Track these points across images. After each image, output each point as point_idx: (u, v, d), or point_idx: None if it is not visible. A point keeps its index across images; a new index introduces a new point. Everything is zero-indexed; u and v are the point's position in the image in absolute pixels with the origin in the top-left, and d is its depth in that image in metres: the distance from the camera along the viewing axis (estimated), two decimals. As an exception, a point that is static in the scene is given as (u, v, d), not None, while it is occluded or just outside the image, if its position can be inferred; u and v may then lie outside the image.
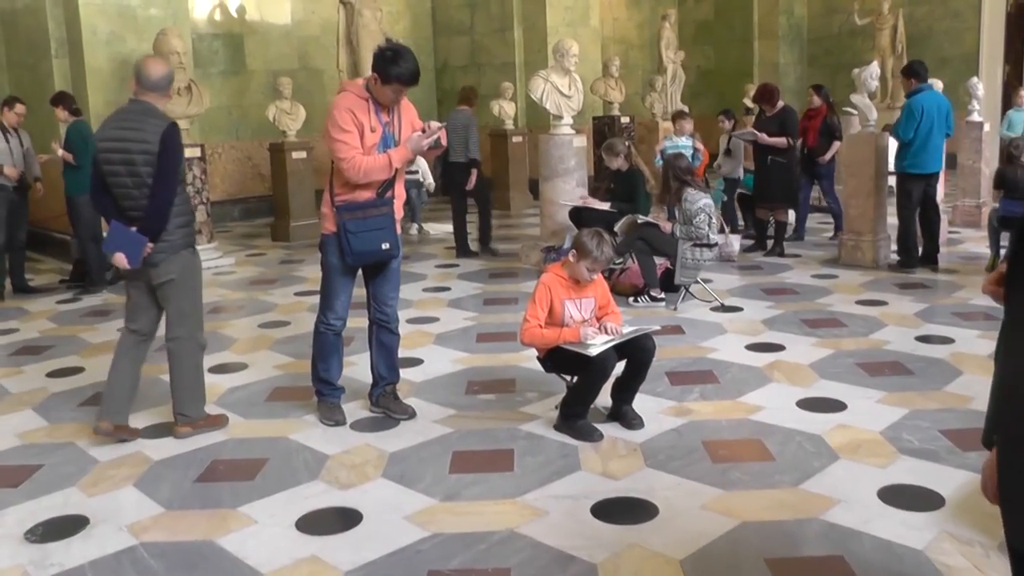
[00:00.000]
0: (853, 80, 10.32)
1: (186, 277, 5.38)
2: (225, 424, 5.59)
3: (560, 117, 9.90)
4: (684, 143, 10.88)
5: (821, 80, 21.32)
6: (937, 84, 11.22)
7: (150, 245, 5.14)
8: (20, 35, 12.22)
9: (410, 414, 5.56)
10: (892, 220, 10.14)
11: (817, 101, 11.55)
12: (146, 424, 5.63)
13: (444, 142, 5.40)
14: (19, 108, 9.94)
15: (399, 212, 5.43)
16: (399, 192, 5.38)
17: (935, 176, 9.36)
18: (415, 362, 6.72)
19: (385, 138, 5.21)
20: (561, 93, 9.75)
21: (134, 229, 5.12)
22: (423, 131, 5.25)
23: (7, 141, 9.75)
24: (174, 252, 5.26)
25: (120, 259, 5.16)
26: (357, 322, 6.68)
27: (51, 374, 6.85)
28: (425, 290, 9.26)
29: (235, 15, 15.48)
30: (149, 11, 11.49)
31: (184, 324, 5.45)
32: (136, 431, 5.46)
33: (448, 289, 9.27)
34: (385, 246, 5.27)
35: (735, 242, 9.94)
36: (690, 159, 9.94)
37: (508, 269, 10.21)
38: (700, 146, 10.89)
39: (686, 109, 13.16)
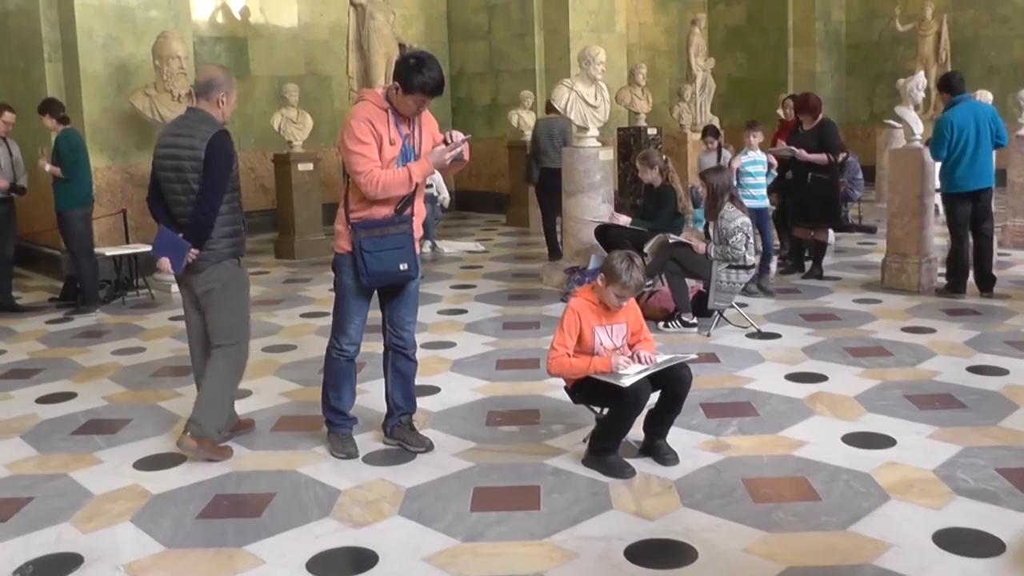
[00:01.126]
0: (898, 91, 10.30)
1: (228, 288, 5.58)
2: (229, 456, 5.57)
3: (585, 129, 9.89)
4: (761, 158, 10.08)
5: (861, 90, 21.52)
6: (986, 96, 11.21)
7: (194, 252, 5.39)
8: (12, 38, 12.26)
9: (427, 447, 5.53)
10: (939, 241, 10.11)
11: (791, 113, 11.97)
12: (144, 455, 5.61)
13: (467, 156, 5.37)
14: (7, 116, 9.92)
15: (418, 231, 5.42)
16: (419, 209, 5.37)
17: (984, 193, 9.18)
18: (431, 390, 6.70)
19: (405, 151, 5.20)
20: (587, 103, 9.73)
21: (180, 236, 5.39)
22: (445, 143, 5.22)
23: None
24: (217, 261, 5.48)
25: (164, 263, 5.46)
26: (370, 347, 6.67)
27: (41, 399, 6.85)
28: (440, 312, 9.25)
29: (239, 17, 15.55)
30: (149, 13, 11.52)
31: (221, 336, 5.64)
32: (225, 450, 5.58)
33: (465, 312, 9.25)
34: (403, 267, 5.25)
35: (772, 264, 9.94)
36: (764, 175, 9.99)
37: (528, 291, 10.18)
38: (774, 160, 10.21)
39: (716, 121, 13.04)
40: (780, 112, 18.55)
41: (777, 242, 11.63)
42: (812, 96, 10.70)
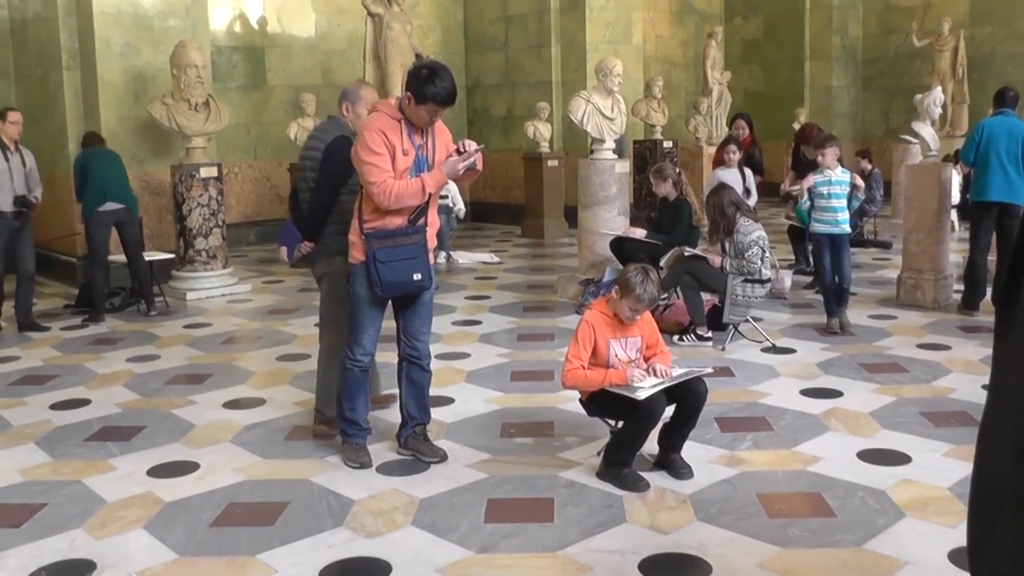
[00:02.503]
0: (915, 106, 10.28)
1: (337, 282, 5.85)
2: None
3: (602, 141, 9.90)
4: (840, 178, 8.64)
5: (877, 105, 21.50)
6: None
7: (306, 245, 5.95)
8: (30, 46, 12.35)
9: (441, 457, 5.53)
10: (955, 258, 10.08)
11: (745, 131, 11.81)
12: (157, 463, 5.62)
13: (480, 165, 5.37)
14: (13, 116, 9.40)
15: (432, 241, 5.44)
16: (432, 219, 5.39)
17: (1009, 208, 9.05)
18: (445, 401, 6.70)
19: (418, 161, 5.21)
20: (603, 115, 9.74)
21: None
22: (458, 152, 5.23)
23: (7, 160, 9.25)
24: (328, 255, 5.85)
25: (282, 252, 6.45)
26: (383, 356, 6.67)
27: (55, 406, 6.86)
28: (455, 323, 9.26)
29: (256, 27, 15.61)
30: (167, 22, 11.59)
31: (330, 327, 6.07)
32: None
33: (479, 323, 9.26)
34: (417, 277, 5.26)
35: (787, 278, 9.89)
36: (846, 199, 8.61)
37: (543, 303, 10.18)
38: (860, 183, 8.79)
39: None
40: (796, 126, 18.61)
41: (792, 257, 11.65)
42: (813, 127, 10.75)
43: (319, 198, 5.82)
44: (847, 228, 8.66)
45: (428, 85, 5.04)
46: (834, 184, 8.53)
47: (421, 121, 5.18)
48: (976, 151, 9.16)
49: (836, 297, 8.61)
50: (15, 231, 9.39)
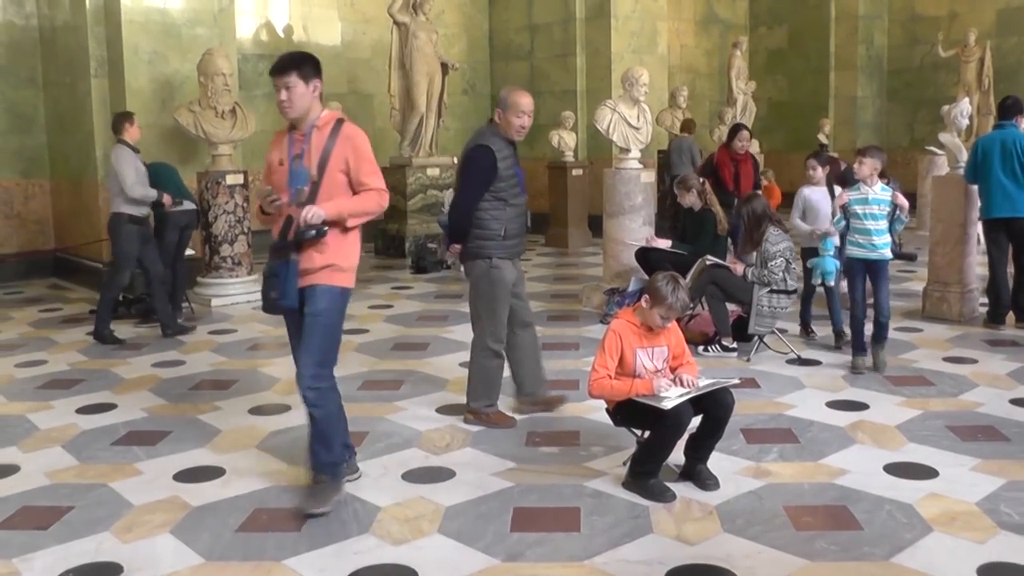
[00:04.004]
0: (941, 117, 10.22)
1: (479, 285, 6.30)
2: (513, 425, 6.31)
3: (627, 150, 9.89)
4: (880, 196, 7.55)
5: (902, 116, 21.42)
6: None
7: (454, 247, 6.36)
8: (59, 53, 12.43)
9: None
10: (981, 271, 10.02)
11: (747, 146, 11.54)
12: (183, 467, 5.64)
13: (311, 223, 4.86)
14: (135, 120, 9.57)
15: (313, 261, 4.91)
16: (332, 240, 4.94)
17: (1016, 222, 9.01)
18: (470, 409, 6.68)
19: (293, 173, 4.93)
20: (629, 124, 9.74)
21: None
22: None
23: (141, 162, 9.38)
24: (470, 259, 6.28)
25: (452, 250, 6.50)
26: (394, 364, 6.67)
27: (82, 410, 6.90)
28: (478, 331, 9.22)
29: (282, 35, 15.67)
30: (195, 30, 11.65)
31: (477, 326, 6.44)
32: (504, 418, 6.36)
33: (503, 331, 9.21)
34: (273, 295, 4.95)
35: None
36: (890, 221, 7.55)
37: (568, 312, 10.17)
38: (903, 202, 7.59)
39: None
40: (820, 137, 18.55)
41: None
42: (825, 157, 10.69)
43: (458, 204, 6.28)
44: (887, 254, 7.56)
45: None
46: (871, 203, 7.48)
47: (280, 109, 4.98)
48: (975, 169, 9.11)
49: (871, 333, 7.67)
50: (148, 235, 9.50)
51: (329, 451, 5.06)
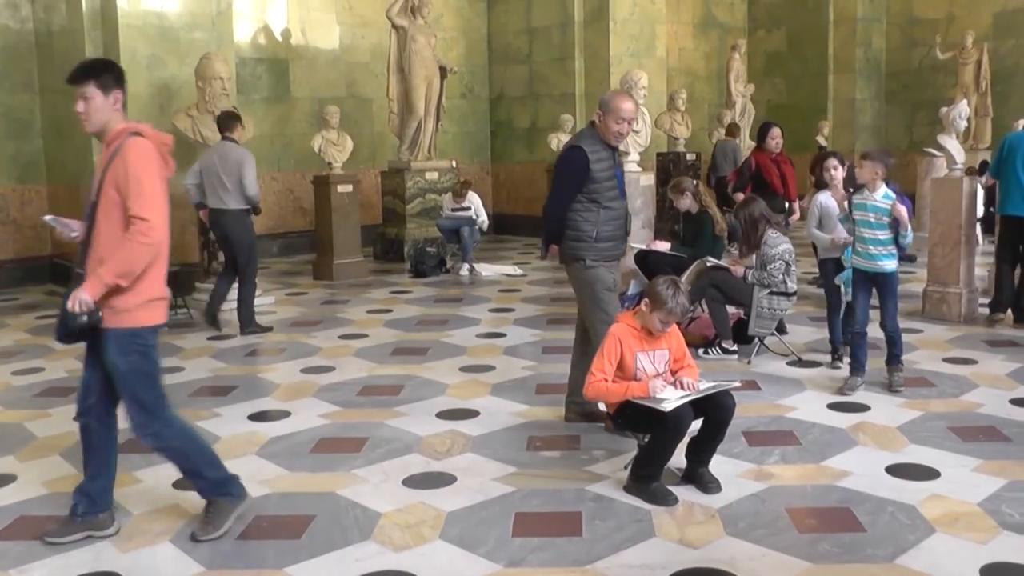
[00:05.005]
0: (940, 119, 10.22)
1: (578, 286, 6.36)
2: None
3: (626, 153, 9.89)
4: (878, 204, 6.95)
5: (900, 118, 21.42)
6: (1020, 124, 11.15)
7: (553, 248, 6.38)
8: (55, 58, 12.40)
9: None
10: (980, 272, 10.07)
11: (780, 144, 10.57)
12: (181, 475, 5.59)
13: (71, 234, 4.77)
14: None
15: (90, 294, 4.43)
16: (90, 267, 4.55)
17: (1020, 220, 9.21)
18: (471, 414, 6.69)
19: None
20: (628, 128, 9.72)
21: None
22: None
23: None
24: (566, 262, 6.34)
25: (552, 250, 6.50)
26: (394, 369, 6.64)
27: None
28: (479, 336, 9.24)
29: (280, 39, 15.67)
30: (193, 34, 11.62)
31: (588, 322, 6.34)
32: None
33: (504, 335, 9.24)
34: (56, 333, 4.61)
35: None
36: (888, 231, 6.94)
37: (567, 315, 10.10)
38: (901, 215, 6.84)
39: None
40: (819, 139, 18.55)
41: (816, 270, 11.56)
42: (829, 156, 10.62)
43: (550, 205, 6.31)
44: (886, 267, 7.04)
45: None
46: (868, 210, 6.96)
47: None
48: (999, 165, 9.33)
49: (889, 354, 7.25)
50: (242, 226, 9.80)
51: (203, 478, 4.82)
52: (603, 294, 6.21)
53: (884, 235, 6.95)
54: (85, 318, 4.40)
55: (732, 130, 16.54)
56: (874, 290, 7.22)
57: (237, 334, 9.56)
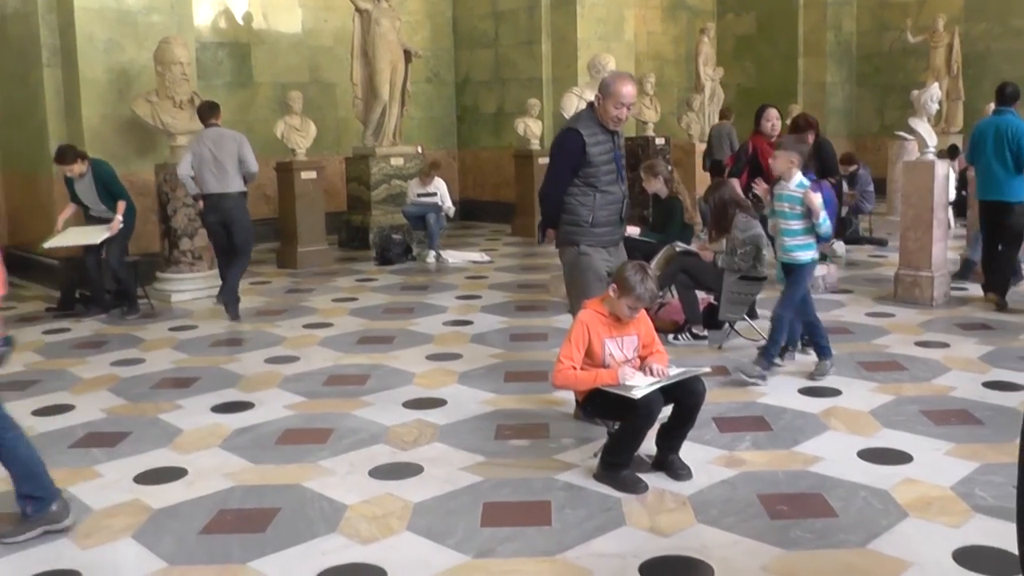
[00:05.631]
0: (911, 102, 10.26)
1: (569, 272, 6.39)
2: None
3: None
4: (791, 193, 6.89)
5: (871, 101, 21.55)
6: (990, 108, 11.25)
7: (551, 231, 6.41)
8: (9, 43, 12.23)
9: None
10: (952, 255, 10.17)
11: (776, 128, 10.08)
12: (144, 469, 5.58)
13: None
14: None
15: None
16: None
17: (1002, 206, 9.34)
18: (438, 403, 6.68)
19: None
20: (596, 112, 9.71)
21: None
22: None
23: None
24: (562, 244, 6.37)
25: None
26: (360, 358, 6.62)
27: (38, 412, 6.80)
28: (446, 324, 9.22)
29: (241, 23, 15.54)
30: (151, 18, 11.50)
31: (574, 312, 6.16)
32: None
33: (471, 323, 9.22)
34: None
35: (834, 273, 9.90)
36: (803, 220, 6.85)
37: (535, 302, 10.15)
38: (813, 203, 6.75)
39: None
40: (790, 123, 18.58)
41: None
42: (801, 117, 10.64)
43: (545, 188, 6.36)
44: (801, 257, 6.96)
45: None
46: (783, 199, 6.93)
47: None
48: (972, 151, 9.62)
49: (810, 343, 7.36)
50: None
51: (31, 485, 4.75)
52: (592, 283, 6.14)
53: (798, 225, 6.87)
54: None
55: (726, 113, 16.65)
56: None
57: (230, 320, 9.65)
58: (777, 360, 7.16)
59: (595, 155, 6.10)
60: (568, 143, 6.15)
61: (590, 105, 6.32)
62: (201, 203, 9.94)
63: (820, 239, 7.00)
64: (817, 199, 6.78)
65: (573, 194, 6.16)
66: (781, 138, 8.86)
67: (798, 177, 6.90)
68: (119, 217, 9.89)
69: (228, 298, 9.73)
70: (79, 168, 9.87)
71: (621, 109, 6.06)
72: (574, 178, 6.15)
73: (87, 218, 10.18)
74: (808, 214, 6.81)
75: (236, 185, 9.76)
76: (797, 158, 6.90)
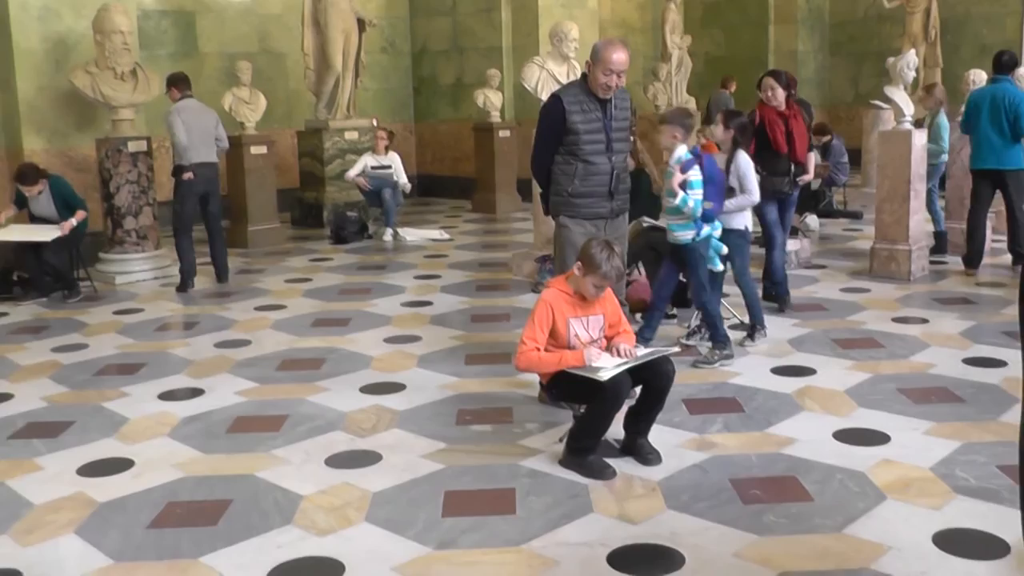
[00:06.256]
0: (887, 70, 10.29)
1: (555, 245, 6.54)
2: None
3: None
4: (670, 169, 6.85)
5: (845, 70, 21.60)
6: (980, 76, 11.34)
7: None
8: (-62, 11, 12.07)
9: None
10: (930, 227, 10.26)
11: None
12: (88, 460, 5.53)
13: None
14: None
15: None
16: None
17: (1001, 174, 9.66)
18: (397, 388, 6.66)
19: None
20: (558, 82, 9.69)
21: None
22: None
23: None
24: (551, 216, 6.48)
25: None
26: (314, 342, 6.58)
27: (-26, 402, 6.74)
28: (404, 305, 9.21)
29: (186, -10, 15.38)
30: (89, -16, 11.36)
31: None
32: None
33: (430, 304, 9.21)
34: None
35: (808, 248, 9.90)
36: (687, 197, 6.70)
37: (497, 281, 10.14)
38: (675, 182, 6.75)
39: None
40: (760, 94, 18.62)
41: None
42: (782, 74, 10.61)
43: (532, 157, 6.46)
44: (682, 237, 6.94)
45: None
46: (667, 176, 6.88)
47: None
48: (967, 121, 9.82)
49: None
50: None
51: None
52: (570, 258, 6.03)
53: (676, 201, 6.75)
54: None
55: (726, 82, 17.09)
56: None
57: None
58: (748, 342, 7.36)
59: (577, 123, 6.08)
60: (548, 110, 6.24)
61: (583, 73, 6.31)
62: (191, 174, 10.05)
63: (703, 218, 6.82)
64: (679, 178, 6.68)
65: (557, 163, 6.24)
66: (793, 108, 8.72)
67: (678, 152, 6.76)
68: (74, 221, 9.84)
69: (222, 271, 10.55)
70: (39, 187, 9.86)
71: (610, 76, 6.01)
72: (559, 146, 6.20)
73: (32, 218, 10.06)
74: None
75: (214, 155, 10.48)
76: (681, 132, 6.80)
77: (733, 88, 17.43)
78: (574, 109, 6.07)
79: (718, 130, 7.42)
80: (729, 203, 7.24)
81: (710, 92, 19.86)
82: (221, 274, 10.55)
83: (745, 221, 7.43)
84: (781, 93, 8.58)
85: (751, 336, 7.49)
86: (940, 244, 10.64)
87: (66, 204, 9.93)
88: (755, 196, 7.40)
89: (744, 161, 7.41)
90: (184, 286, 10.11)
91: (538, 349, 5.13)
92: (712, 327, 7.10)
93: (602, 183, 6.23)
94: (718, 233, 7.04)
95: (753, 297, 7.54)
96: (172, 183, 10.30)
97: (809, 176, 9.17)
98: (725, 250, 7.11)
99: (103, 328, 8.70)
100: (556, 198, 6.28)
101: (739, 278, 7.48)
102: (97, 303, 9.74)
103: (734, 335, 7.37)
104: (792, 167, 8.60)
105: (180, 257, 10.20)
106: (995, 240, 10.83)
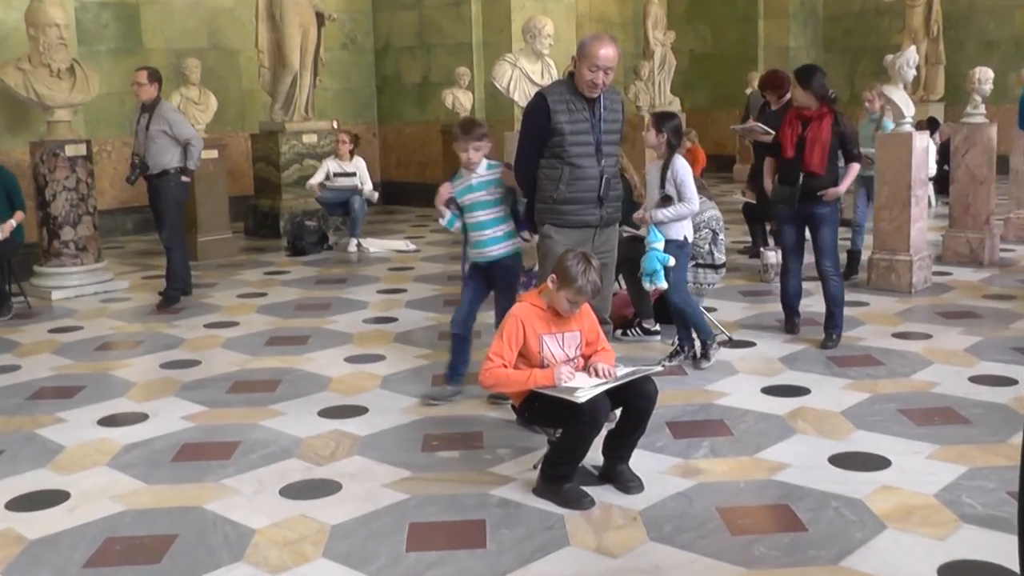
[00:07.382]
0: (885, 68, 10.35)
1: (540, 252, 6.44)
2: None
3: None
4: (484, 176, 6.75)
5: (840, 67, 21.70)
6: (985, 73, 11.41)
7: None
8: None
9: None
10: (933, 236, 10.28)
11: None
12: (18, 493, 5.46)
13: None
14: (136, 76, 10.52)
15: None
16: None
17: None
18: (358, 411, 6.64)
19: None
20: (532, 81, 9.75)
21: None
22: None
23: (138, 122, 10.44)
24: (536, 224, 6.42)
25: None
26: (269, 361, 6.56)
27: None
28: (366, 321, 9.21)
29: (129, -19, 15.36)
30: (21, -27, 11.33)
31: None
32: None
33: (395, 320, 9.22)
34: None
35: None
36: (500, 207, 6.75)
37: (467, 295, 10.12)
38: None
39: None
40: (749, 92, 18.72)
41: (748, 239, 11.69)
42: (779, 72, 10.69)
43: (515, 161, 6.47)
44: (493, 253, 6.83)
45: None
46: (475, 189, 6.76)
47: None
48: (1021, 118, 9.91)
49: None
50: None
51: None
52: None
53: (494, 213, 6.74)
54: None
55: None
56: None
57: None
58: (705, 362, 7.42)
59: (563, 123, 6.08)
60: (530, 109, 6.30)
61: (571, 73, 6.33)
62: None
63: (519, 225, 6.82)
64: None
65: (542, 167, 6.23)
66: (825, 107, 8.34)
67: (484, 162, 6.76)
68: (13, 222, 9.80)
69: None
70: None
71: (596, 73, 5.99)
72: (543, 148, 6.20)
73: None
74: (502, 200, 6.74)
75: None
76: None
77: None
78: (559, 108, 6.08)
79: (650, 135, 7.37)
80: (666, 212, 7.21)
81: (695, 92, 20.02)
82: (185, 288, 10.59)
83: (684, 231, 7.34)
84: (800, 93, 8.33)
85: (705, 355, 7.41)
86: (852, 264, 10.40)
87: (9, 201, 9.89)
88: (694, 205, 7.26)
89: (682, 166, 7.30)
90: (177, 300, 10.16)
91: (505, 366, 5.12)
92: (697, 328, 7.29)
93: (590, 188, 6.21)
94: (660, 245, 7.10)
95: (691, 312, 7.42)
96: (152, 188, 10.49)
97: (835, 191, 8.20)
98: (672, 261, 7.12)
99: (37, 348, 8.64)
100: (541, 205, 6.28)
101: (672, 293, 7.34)
102: (31, 320, 9.69)
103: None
104: (801, 177, 8.01)
105: (181, 270, 10.34)
106: (1004, 249, 10.91)
